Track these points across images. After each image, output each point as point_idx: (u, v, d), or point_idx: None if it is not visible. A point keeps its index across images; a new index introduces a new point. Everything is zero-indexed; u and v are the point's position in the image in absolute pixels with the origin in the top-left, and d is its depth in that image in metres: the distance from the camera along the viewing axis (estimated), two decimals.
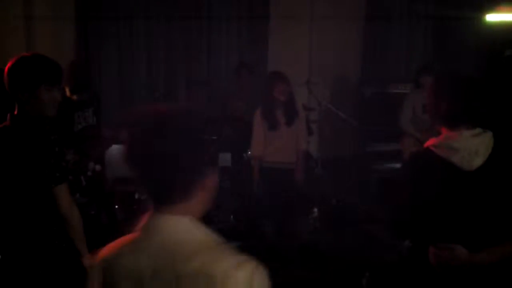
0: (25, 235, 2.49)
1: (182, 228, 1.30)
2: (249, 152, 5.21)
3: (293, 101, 4.78)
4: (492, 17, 6.24)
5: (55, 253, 2.53)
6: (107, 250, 1.40)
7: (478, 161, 2.16)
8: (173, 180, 1.29)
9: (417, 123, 5.07)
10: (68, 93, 4.36)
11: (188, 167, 1.29)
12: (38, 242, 2.50)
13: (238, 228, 5.21)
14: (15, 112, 2.49)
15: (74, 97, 4.38)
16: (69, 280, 2.54)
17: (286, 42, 6.56)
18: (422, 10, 7.23)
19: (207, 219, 1.39)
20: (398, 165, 5.65)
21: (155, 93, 6.13)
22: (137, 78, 6.43)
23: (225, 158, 5.55)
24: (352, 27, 6.93)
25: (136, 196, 6.06)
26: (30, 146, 2.42)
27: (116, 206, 4.86)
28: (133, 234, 1.36)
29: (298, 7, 6.64)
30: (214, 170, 1.36)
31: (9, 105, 2.53)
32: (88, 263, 2.54)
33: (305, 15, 6.68)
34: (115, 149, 5.03)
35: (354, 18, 6.92)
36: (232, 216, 5.39)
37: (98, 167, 4.50)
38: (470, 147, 2.16)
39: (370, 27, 7.12)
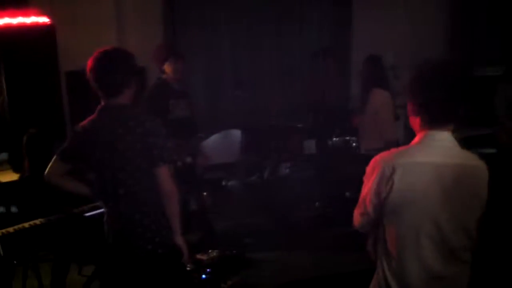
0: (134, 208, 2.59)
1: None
2: (334, 139, 5.20)
3: None
4: None
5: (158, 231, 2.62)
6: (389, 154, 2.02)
7: None
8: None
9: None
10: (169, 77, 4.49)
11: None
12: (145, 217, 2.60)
13: (327, 215, 5.16)
14: (103, 104, 2.59)
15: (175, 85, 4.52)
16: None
17: (371, 25, 6.44)
18: None
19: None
20: (490, 151, 5.38)
21: (238, 84, 6.22)
22: (220, 68, 6.52)
23: (310, 146, 5.56)
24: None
25: (223, 183, 6.19)
26: (138, 127, 2.51)
27: (205, 193, 4.97)
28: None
29: None
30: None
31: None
32: (180, 241, 2.65)
33: None
34: (207, 141, 5.10)
35: None
36: (317, 203, 5.32)
37: (189, 159, 4.60)
38: None
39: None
